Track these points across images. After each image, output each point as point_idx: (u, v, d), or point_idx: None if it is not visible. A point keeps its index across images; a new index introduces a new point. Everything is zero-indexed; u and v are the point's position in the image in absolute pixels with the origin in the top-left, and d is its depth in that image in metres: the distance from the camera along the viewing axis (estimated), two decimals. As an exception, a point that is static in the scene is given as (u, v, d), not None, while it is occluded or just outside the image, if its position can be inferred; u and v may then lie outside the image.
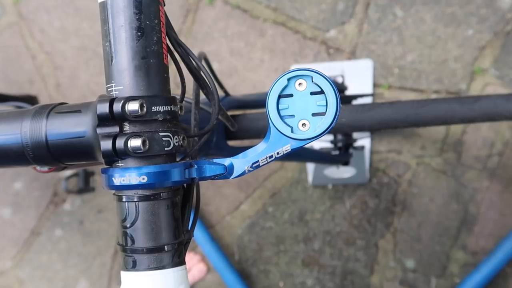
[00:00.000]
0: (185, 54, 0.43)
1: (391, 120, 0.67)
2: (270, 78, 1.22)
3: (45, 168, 0.51)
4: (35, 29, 1.33)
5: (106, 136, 0.37)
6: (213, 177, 0.40)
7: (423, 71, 1.16)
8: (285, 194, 1.21)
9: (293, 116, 0.38)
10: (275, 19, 1.22)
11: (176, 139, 0.39)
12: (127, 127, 0.38)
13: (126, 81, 0.38)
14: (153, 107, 0.38)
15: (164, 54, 0.40)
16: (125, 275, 0.38)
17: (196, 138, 0.47)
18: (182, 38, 1.25)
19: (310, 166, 1.19)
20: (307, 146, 0.41)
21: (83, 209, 1.30)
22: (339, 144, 1.08)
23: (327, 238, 1.20)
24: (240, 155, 0.40)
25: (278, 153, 0.39)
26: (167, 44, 0.41)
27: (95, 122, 0.38)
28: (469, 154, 1.15)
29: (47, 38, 1.32)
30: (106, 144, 0.37)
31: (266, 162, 0.39)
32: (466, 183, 1.15)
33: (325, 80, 0.37)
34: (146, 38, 0.38)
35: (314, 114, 0.38)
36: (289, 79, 0.38)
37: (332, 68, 1.18)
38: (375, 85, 1.17)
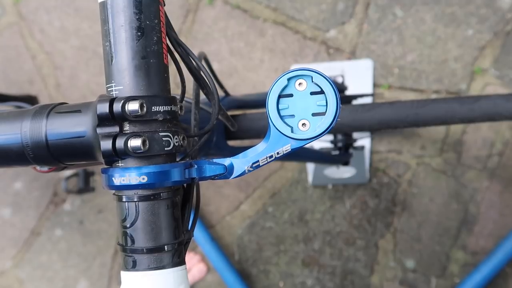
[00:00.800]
0: (185, 54, 0.43)
1: (391, 120, 0.67)
2: (270, 78, 1.22)
3: (45, 168, 0.51)
4: (35, 29, 1.33)
5: (106, 136, 0.37)
6: (213, 177, 0.40)
7: (423, 71, 1.16)
8: (285, 194, 1.21)
9: (293, 116, 0.38)
10: (275, 19, 1.22)
11: (176, 139, 0.39)
12: (127, 127, 0.38)
13: (126, 81, 0.38)
14: (153, 107, 0.38)
15: (164, 54, 0.40)
16: (125, 275, 0.38)
17: (196, 138, 0.47)
18: (182, 38, 1.25)
19: (310, 166, 1.19)
20: (307, 146, 0.41)
21: (83, 209, 1.30)
22: (339, 144, 1.08)
23: (327, 238, 1.20)
24: (240, 155, 0.40)
25: (278, 153, 0.39)
26: (167, 44, 0.41)
27: (95, 122, 0.38)
28: (469, 154, 1.15)
29: (47, 38, 1.32)
30: (106, 144, 0.37)
31: (266, 162, 0.39)
32: (466, 183, 1.15)
33: (325, 80, 0.37)
34: (146, 38, 0.38)
35: (314, 114, 0.38)
36: (289, 79, 0.38)
37: (332, 68, 1.18)
38: (375, 85, 1.17)
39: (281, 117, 0.38)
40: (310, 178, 1.20)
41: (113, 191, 0.39)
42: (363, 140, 1.16)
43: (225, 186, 1.24)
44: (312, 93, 0.38)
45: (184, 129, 0.44)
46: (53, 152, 0.39)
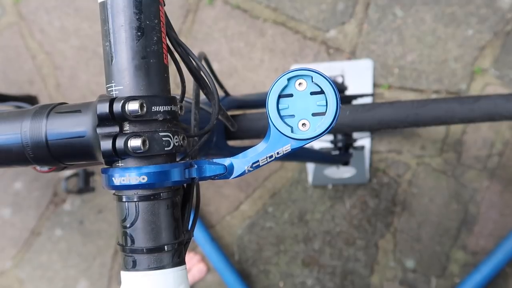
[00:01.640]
0: (185, 54, 0.43)
1: (391, 120, 0.67)
2: (270, 78, 1.22)
3: (45, 168, 0.51)
4: (35, 29, 1.33)
5: (106, 136, 0.37)
6: (213, 177, 0.40)
7: (423, 71, 1.16)
8: (285, 194, 1.21)
9: (293, 116, 0.38)
10: (275, 19, 1.22)
11: (176, 139, 0.39)
12: (127, 127, 0.38)
13: (126, 81, 0.38)
14: (153, 107, 0.38)
15: (164, 54, 0.40)
16: (125, 275, 0.38)
17: (196, 138, 0.47)
18: (182, 38, 1.25)
19: (310, 166, 1.19)
20: (307, 146, 0.41)
21: (83, 209, 1.30)
22: (339, 144, 1.08)
23: (327, 238, 1.20)
24: (240, 155, 0.40)
25: (278, 153, 0.39)
26: (167, 44, 0.41)
27: (95, 122, 0.38)
28: (469, 154, 1.15)
29: (47, 38, 1.32)
30: (106, 144, 0.37)
31: (266, 162, 0.39)
32: (466, 183, 1.15)
33: (325, 80, 0.37)
34: (146, 38, 0.38)
35: (314, 114, 0.38)
36: (289, 79, 0.38)
37: (332, 68, 1.18)
38: (375, 85, 1.17)
39: (281, 117, 0.38)
40: (310, 178, 1.20)
41: (113, 191, 0.39)
42: (363, 140, 1.16)
43: (225, 186, 1.24)
44: (312, 93, 0.38)
45: (184, 129, 0.44)
46: (53, 152, 0.39)
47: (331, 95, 0.37)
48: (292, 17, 1.21)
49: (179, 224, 0.40)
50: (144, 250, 0.37)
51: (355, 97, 1.06)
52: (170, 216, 0.39)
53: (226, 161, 0.40)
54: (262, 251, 1.22)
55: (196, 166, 0.40)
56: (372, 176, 1.18)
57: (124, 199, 0.38)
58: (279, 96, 0.38)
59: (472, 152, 1.15)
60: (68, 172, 1.23)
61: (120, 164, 0.38)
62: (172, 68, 0.41)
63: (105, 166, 0.39)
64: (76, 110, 0.39)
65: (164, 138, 0.38)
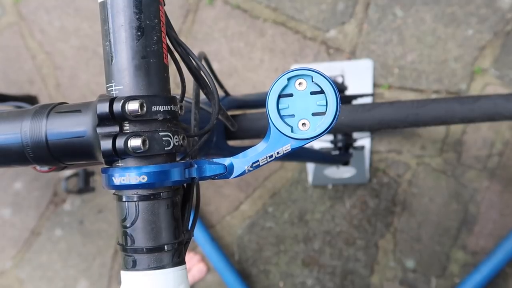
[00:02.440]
0: (185, 54, 0.43)
1: (391, 120, 0.67)
2: (270, 78, 1.22)
3: (45, 168, 0.51)
4: (35, 29, 1.33)
5: (106, 135, 0.37)
6: (213, 177, 0.40)
7: (423, 71, 1.16)
8: (285, 194, 1.21)
9: (293, 115, 0.38)
10: (275, 19, 1.22)
11: (176, 138, 0.39)
12: (127, 127, 0.38)
13: (126, 81, 0.38)
14: (153, 107, 0.38)
15: (164, 54, 0.40)
16: (125, 275, 0.38)
17: (196, 138, 0.47)
18: (182, 38, 1.25)
19: (310, 166, 1.19)
20: (307, 146, 0.41)
21: (83, 209, 1.30)
22: (339, 144, 1.08)
23: (327, 238, 1.20)
24: (240, 154, 0.40)
25: (278, 153, 0.39)
26: (167, 43, 0.41)
27: (95, 122, 0.38)
28: (469, 154, 1.15)
29: (47, 38, 1.32)
30: (106, 144, 0.37)
31: (266, 162, 0.39)
32: (466, 183, 1.15)
33: (325, 79, 0.37)
34: (146, 38, 0.38)
35: (314, 114, 0.38)
36: (289, 79, 0.38)
37: (332, 68, 1.18)
38: (375, 85, 1.17)
39: (281, 116, 0.38)
40: (310, 178, 1.20)
41: (113, 191, 0.39)
42: (363, 140, 1.16)
43: (225, 186, 1.24)
44: (312, 93, 0.38)
45: (184, 129, 0.44)
46: (53, 152, 0.39)
47: (331, 95, 0.37)
48: (292, 17, 1.21)
49: (179, 224, 0.40)
50: (144, 249, 0.37)
51: (355, 97, 1.06)
52: (170, 216, 0.39)
53: (226, 161, 0.40)
54: (262, 251, 1.22)
55: (196, 166, 0.40)
56: (372, 176, 1.18)
57: (124, 199, 0.38)
58: (279, 96, 0.38)
59: (472, 152, 1.15)
60: (68, 172, 1.23)
61: (120, 164, 0.38)
62: (172, 68, 0.41)
63: (105, 166, 0.39)
64: (76, 110, 0.39)
65: (164, 138, 0.38)
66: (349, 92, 1.15)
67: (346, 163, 1.13)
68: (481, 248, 1.14)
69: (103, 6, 0.39)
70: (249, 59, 1.23)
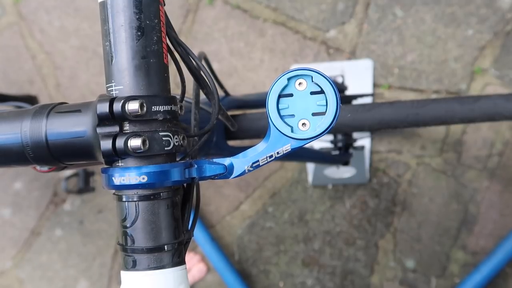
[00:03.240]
0: (185, 53, 0.43)
1: (391, 120, 0.67)
2: (270, 78, 1.22)
3: (45, 168, 0.51)
4: (35, 29, 1.33)
5: (106, 135, 0.37)
6: (213, 177, 0.40)
7: (423, 71, 1.16)
8: (285, 194, 1.21)
9: (293, 115, 0.38)
10: (275, 19, 1.22)
11: (176, 138, 0.39)
12: (127, 127, 0.38)
13: (126, 81, 0.38)
14: (153, 107, 0.38)
15: (164, 54, 0.40)
16: (125, 275, 0.38)
17: (196, 138, 0.47)
18: (182, 38, 1.25)
19: (310, 166, 1.19)
20: (307, 146, 0.40)
21: (83, 209, 1.30)
22: (339, 144, 1.08)
23: (327, 238, 1.20)
24: (240, 154, 0.40)
25: (278, 153, 0.39)
26: (167, 43, 0.41)
27: (95, 122, 0.38)
28: (469, 154, 1.15)
29: (47, 38, 1.32)
30: (106, 144, 0.37)
31: (266, 161, 0.39)
32: (466, 183, 1.15)
33: (325, 79, 0.37)
34: (146, 38, 0.38)
35: (314, 114, 0.38)
36: (289, 79, 0.38)
37: (332, 68, 1.18)
38: (375, 85, 1.17)
39: (281, 116, 0.38)
40: (310, 178, 1.20)
41: (113, 191, 0.39)
42: (363, 140, 1.16)
43: (225, 186, 1.24)
44: (312, 93, 0.38)
45: (184, 129, 0.44)
46: (53, 152, 0.39)
47: (331, 95, 0.37)
48: (292, 17, 1.21)
49: (179, 224, 0.40)
50: (144, 249, 0.37)
51: (355, 97, 1.06)
52: (170, 216, 0.39)
53: (226, 161, 0.40)
54: (262, 251, 1.22)
55: (196, 166, 0.40)
56: (372, 176, 1.18)
57: (124, 199, 0.38)
58: (279, 96, 0.38)
59: (472, 152, 1.15)
60: (68, 172, 1.23)
61: (120, 164, 0.38)
62: (172, 68, 0.41)
63: (105, 166, 0.39)
64: (76, 110, 0.39)
65: (164, 138, 0.38)
66: (349, 92, 1.15)
67: (346, 163, 1.13)
68: (481, 248, 1.14)
69: (103, 6, 0.39)
70: (249, 59, 1.23)
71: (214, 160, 0.40)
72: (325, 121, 0.37)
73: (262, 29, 1.23)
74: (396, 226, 1.18)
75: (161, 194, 0.38)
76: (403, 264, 1.17)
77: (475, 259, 1.14)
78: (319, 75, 0.37)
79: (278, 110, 0.38)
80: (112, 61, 0.38)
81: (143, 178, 0.37)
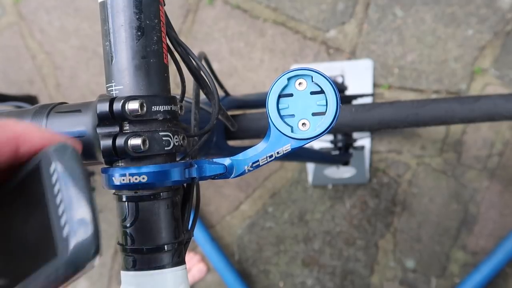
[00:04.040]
0: (185, 53, 0.43)
1: (391, 120, 0.67)
2: (270, 78, 1.22)
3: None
4: (35, 29, 1.33)
5: (106, 135, 0.37)
6: (213, 177, 0.40)
7: (423, 71, 1.16)
8: (285, 194, 1.21)
9: (293, 115, 0.38)
10: (275, 19, 1.22)
11: (176, 138, 0.39)
12: (127, 127, 0.38)
13: (126, 81, 0.38)
14: (153, 107, 0.38)
15: (164, 54, 0.40)
16: (125, 275, 0.38)
17: (196, 137, 0.47)
18: (182, 38, 1.25)
19: (310, 166, 1.19)
20: (307, 146, 0.40)
21: (83, 209, 1.30)
22: (339, 144, 1.08)
23: (327, 238, 1.20)
24: (240, 154, 0.40)
25: (278, 153, 0.39)
26: (167, 43, 0.41)
27: (95, 122, 0.38)
28: (469, 154, 1.15)
29: (47, 38, 1.32)
30: (106, 144, 0.37)
31: (266, 161, 0.39)
32: (466, 183, 1.15)
33: (325, 79, 0.37)
34: (146, 38, 0.38)
35: (314, 114, 0.38)
36: (289, 79, 0.38)
37: (332, 68, 1.18)
38: (375, 85, 1.17)
39: (281, 116, 0.38)
40: (310, 178, 1.19)
41: (113, 191, 0.39)
42: (363, 140, 1.16)
43: (225, 186, 1.24)
44: (312, 93, 0.38)
45: (184, 129, 0.43)
46: (53, 152, 0.39)
47: (331, 95, 0.37)
48: (292, 17, 1.21)
49: (179, 224, 0.40)
50: (144, 249, 0.37)
51: (355, 97, 1.06)
52: (170, 216, 0.39)
53: (226, 161, 0.40)
54: (262, 251, 1.22)
55: (196, 165, 0.40)
56: (372, 176, 1.18)
57: (124, 199, 0.38)
58: (279, 96, 0.38)
59: (472, 152, 1.15)
60: (68, 172, 1.23)
61: (120, 164, 0.38)
62: (172, 68, 0.41)
63: (105, 166, 0.39)
64: (76, 109, 0.39)
65: (164, 138, 0.38)
66: (349, 92, 1.15)
67: (346, 163, 1.13)
68: (481, 248, 1.14)
69: (103, 6, 0.39)
70: (249, 59, 1.23)
71: (214, 160, 0.40)
72: (325, 121, 0.37)
73: (262, 29, 1.23)
74: (396, 226, 1.18)
75: (161, 194, 0.38)
76: (403, 264, 1.17)
77: (475, 259, 1.14)
78: (319, 75, 0.37)
79: (278, 110, 0.38)
80: (112, 61, 0.38)
81: (143, 178, 0.37)
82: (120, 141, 0.37)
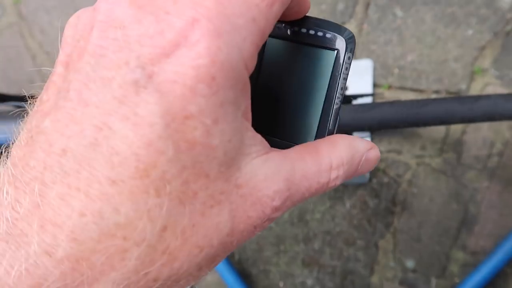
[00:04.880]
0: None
1: (391, 120, 0.67)
2: (270, 78, 1.22)
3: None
4: (35, 29, 1.33)
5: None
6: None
7: (423, 71, 1.16)
8: (285, 194, 1.21)
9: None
10: (275, 19, 1.22)
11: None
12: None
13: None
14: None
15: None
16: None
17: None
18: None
19: (310, 166, 1.19)
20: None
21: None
22: (339, 144, 1.07)
23: (327, 238, 1.20)
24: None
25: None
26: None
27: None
28: (469, 154, 1.15)
29: (47, 38, 1.32)
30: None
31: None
32: (466, 183, 1.15)
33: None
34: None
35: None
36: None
37: (332, 68, 1.18)
38: (375, 85, 1.17)
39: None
40: (310, 178, 1.19)
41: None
42: (363, 140, 1.16)
43: (225, 186, 1.24)
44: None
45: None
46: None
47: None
48: (292, 17, 1.21)
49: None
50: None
51: (355, 97, 1.07)
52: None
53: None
54: (262, 251, 1.22)
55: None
56: (372, 176, 1.18)
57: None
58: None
59: (472, 152, 1.15)
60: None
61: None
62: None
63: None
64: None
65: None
66: (349, 92, 1.15)
67: (346, 163, 1.12)
68: (481, 248, 1.14)
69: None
70: (249, 59, 1.23)
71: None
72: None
73: (262, 29, 1.22)
74: (396, 226, 1.18)
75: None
76: (403, 264, 1.17)
77: (475, 259, 1.14)
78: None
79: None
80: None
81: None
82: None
